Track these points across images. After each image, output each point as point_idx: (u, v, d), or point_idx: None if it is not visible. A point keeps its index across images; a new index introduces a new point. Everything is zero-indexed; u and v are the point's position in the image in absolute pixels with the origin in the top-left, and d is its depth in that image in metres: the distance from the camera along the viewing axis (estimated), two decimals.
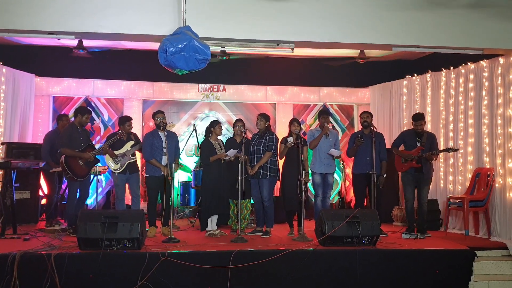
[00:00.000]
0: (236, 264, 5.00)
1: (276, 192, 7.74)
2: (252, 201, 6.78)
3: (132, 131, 6.80)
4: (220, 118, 9.12)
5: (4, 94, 7.74)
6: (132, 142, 6.62)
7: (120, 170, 6.53)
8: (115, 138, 6.51)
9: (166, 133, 6.30)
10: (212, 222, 6.42)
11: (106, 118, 9.08)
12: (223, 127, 7.18)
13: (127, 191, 6.75)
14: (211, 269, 4.97)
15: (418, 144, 6.70)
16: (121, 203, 6.63)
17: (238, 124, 6.68)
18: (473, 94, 7.11)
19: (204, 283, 5.00)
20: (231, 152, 6.34)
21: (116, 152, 6.55)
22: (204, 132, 6.70)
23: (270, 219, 6.46)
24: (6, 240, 5.77)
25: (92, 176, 7.50)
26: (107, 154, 6.53)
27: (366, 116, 6.85)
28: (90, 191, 7.75)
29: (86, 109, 6.69)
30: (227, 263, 4.99)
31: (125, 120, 6.73)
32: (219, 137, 6.67)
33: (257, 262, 5.04)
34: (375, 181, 6.37)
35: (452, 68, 7.57)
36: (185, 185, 8.03)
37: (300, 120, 8.16)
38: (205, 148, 6.47)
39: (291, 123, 6.59)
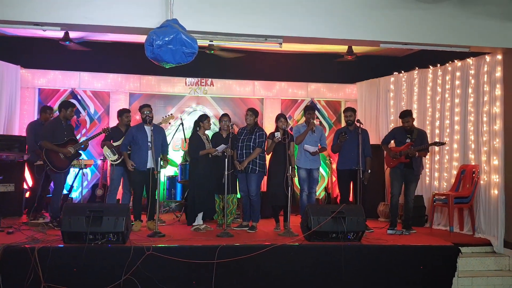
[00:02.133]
0: (221, 258, 5.00)
1: (263, 187, 7.75)
2: (238, 195, 6.77)
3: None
4: (207, 112, 9.04)
5: None
6: None
7: (117, 162, 6.57)
8: (96, 134, 6.78)
9: (152, 127, 6.26)
10: (198, 217, 6.40)
11: (92, 111, 8.99)
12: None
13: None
14: (197, 264, 4.97)
15: (408, 140, 6.73)
16: (113, 196, 6.66)
17: (224, 119, 6.67)
18: (460, 91, 7.16)
19: (189, 277, 4.99)
20: (221, 147, 6.32)
21: (115, 144, 6.65)
22: (192, 126, 6.67)
23: (256, 214, 6.47)
24: None
25: (77, 170, 7.51)
26: (105, 146, 6.67)
27: (350, 115, 6.87)
28: (76, 184, 7.77)
29: (69, 102, 6.71)
30: (213, 258, 4.99)
31: (123, 112, 6.90)
32: (207, 132, 6.65)
33: (243, 257, 5.04)
34: (361, 177, 6.39)
35: (439, 65, 7.62)
36: (171, 179, 7.99)
37: (287, 116, 8.19)
38: (194, 142, 6.44)
39: (278, 118, 6.59)
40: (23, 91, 8.63)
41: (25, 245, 4.85)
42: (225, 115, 6.78)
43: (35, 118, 8.38)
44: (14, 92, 8.29)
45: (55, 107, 8.47)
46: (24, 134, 7.63)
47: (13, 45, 8.40)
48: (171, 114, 7.07)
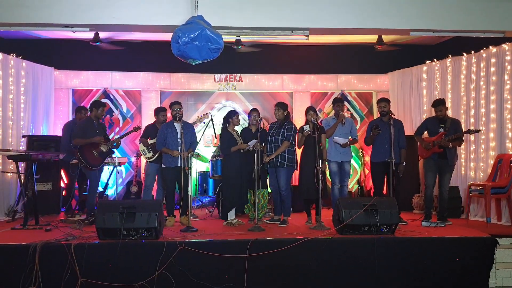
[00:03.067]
0: (253, 252, 5.01)
1: (295, 181, 7.72)
2: (269, 190, 6.77)
3: (150, 122, 6.95)
4: (236, 107, 9.11)
5: (25, 88, 7.87)
6: None
7: (152, 159, 6.75)
8: (128, 132, 7.04)
9: (182, 124, 6.33)
10: (231, 212, 6.44)
11: (124, 109, 9.15)
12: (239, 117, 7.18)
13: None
14: (229, 258, 4.99)
15: (441, 130, 6.57)
16: (148, 192, 6.84)
17: (253, 113, 6.67)
18: (495, 78, 6.94)
19: (222, 271, 5.02)
20: (252, 142, 6.33)
21: (150, 142, 6.82)
22: (222, 122, 6.71)
23: (287, 208, 6.45)
24: (29, 231, 5.89)
25: (112, 167, 7.69)
26: (141, 143, 6.92)
27: (384, 105, 6.73)
28: (111, 182, 7.95)
29: (100, 102, 6.89)
30: (245, 252, 5.00)
31: (159, 111, 7.14)
32: (236, 128, 6.68)
33: (274, 251, 5.03)
34: (394, 169, 6.27)
35: (473, 52, 7.40)
36: (203, 175, 8.06)
37: (317, 109, 8.14)
38: (225, 138, 6.48)
39: (307, 111, 6.53)
40: (57, 92, 8.87)
41: (62, 242, 4.98)
42: (254, 110, 6.78)
43: (70, 118, 8.62)
44: (49, 93, 8.55)
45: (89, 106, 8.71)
46: (59, 134, 7.84)
47: (47, 48, 8.62)
48: (206, 113, 7.17)
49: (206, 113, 7.18)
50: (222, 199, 6.88)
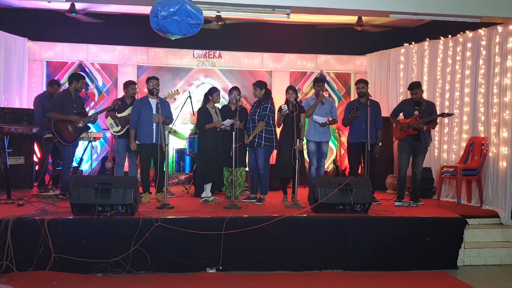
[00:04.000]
0: (229, 230, 5.05)
1: (272, 160, 7.76)
2: (247, 168, 6.79)
3: None
4: (215, 85, 8.98)
5: None
6: None
7: (120, 133, 6.60)
8: (106, 108, 6.72)
9: (158, 100, 6.25)
10: (207, 189, 6.44)
11: (100, 83, 8.99)
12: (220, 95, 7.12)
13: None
14: (205, 235, 5.02)
15: (416, 112, 6.66)
16: (120, 168, 6.73)
17: (233, 92, 6.60)
18: (470, 63, 7.06)
19: (198, 248, 5.05)
20: (227, 122, 6.30)
21: (119, 115, 6.67)
22: (202, 98, 6.64)
23: (264, 187, 6.48)
24: (0, 206, 5.80)
25: (87, 143, 7.57)
26: (109, 117, 6.68)
27: (362, 86, 6.77)
28: (86, 157, 7.83)
29: (80, 74, 6.69)
30: (221, 229, 5.04)
31: (128, 84, 6.90)
32: (216, 105, 6.63)
33: (250, 228, 5.08)
34: (369, 149, 6.36)
35: (450, 36, 7.48)
36: (180, 152, 8.02)
37: (296, 88, 8.13)
38: (202, 115, 6.43)
39: (286, 91, 6.51)
40: (31, 63, 8.65)
41: (35, 217, 4.92)
42: (235, 88, 6.69)
43: (43, 91, 8.41)
44: (22, 65, 8.33)
45: (63, 80, 8.53)
46: (32, 107, 7.66)
47: (20, 17, 8.36)
48: (177, 89, 7.01)
49: (177, 90, 7.03)
50: (196, 176, 6.85)
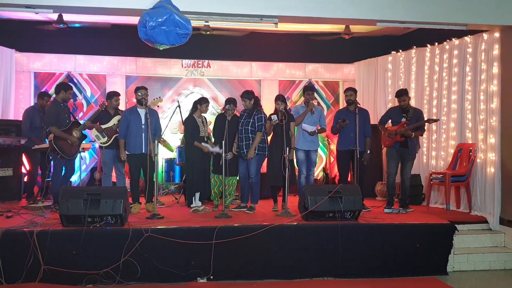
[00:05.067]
0: (220, 239, 5.04)
1: (263, 169, 7.76)
2: (236, 178, 6.78)
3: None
4: (204, 94, 9.03)
5: None
6: (119, 117, 6.63)
7: (107, 144, 6.56)
8: (96, 112, 6.64)
9: (147, 110, 6.23)
10: (196, 199, 6.43)
11: (88, 94, 8.96)
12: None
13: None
14: (195, 245, 5.00)
15: (403, 119, 6.72)
16: (108, 179, 6.67)
17: (230, 103, 6.49)
18: (457, 70, 7.14)
19: (188, 258, 5.04)
20: (216, 150, 6.32)
21: (103, 126, 6.59)
22: (191, 107, 6.63)
23: (255, 195, 6.48)
24: None
25: None
26: (93, 129, 6.59)
27: (350, 94, 6.83)
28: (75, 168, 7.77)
29: (68, 84, 6.68)
30: (211, 239, 5.03)
31: (112, 95, 6.82)
32: (203, 114, 6.63)
33: (241, 237, 5.08)
34: (358, 157, 6.39)
35: (436, 44, 7.58)
36: (169, 162, 8.01)
37: (285, 97, 8.15)
38: (189, 125, 6.43)
39: (275, 100, 6.53)
40: (18, 75, 8.60)
41: (24, 229, 4.88)
42: (231, 100, 6.56)
43: (32, 102, 8.39)
44: (9, 76, 8.27)
45: (51, 91, 8.47)
46: (20, 118, 7.60)
47: (7, 29, 8.30)
48: (160, 97, 6.98)
49: (159, 97, 7.00)
50: (186, 185, 6.83)
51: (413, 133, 6.56)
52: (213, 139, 6.69)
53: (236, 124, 6.44)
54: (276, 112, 6.46)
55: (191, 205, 6.40)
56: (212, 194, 6.68)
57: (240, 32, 8.36)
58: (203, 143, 6.40)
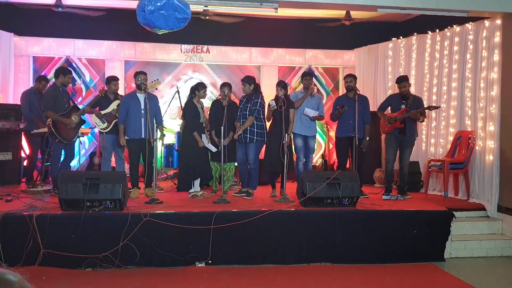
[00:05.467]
0: (218, 224, 5.06)
1: (261, 155, 7.77)
2: (234, 164, 6.79)
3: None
4: (203, 80, 8.97)
5: None
6: (118, 102, 6.62)
7: (107, 129, 6.56)
8: (95, 97, 6.59)
9: (146, 95, 6.22)
10: (195, 184, 6.44)
11: (87, 79, 8.93)
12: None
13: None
14: (194, 229, 5.03)
15: (403, 106, 6.71)
16: (107, 164, 6.68)
17: (224, 88, 6.51)
18: (458, 57, 7.11)
19: (187, 243, 5.07)
20: (210, 147, 6.36)
21: (103, 112, 6.58)
22: (189, 92, 6.62)
23: (254, 181, 6.50)
24: None
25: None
26: (93, 114, 6.57)
27: (350, 80, 6.81)
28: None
29: (67, 69, 6.65)
30: (209, 224, 5.05)
31: (110, 80, 6.78)
32: (201, 100, 6.62)
33: (239, 222, 5.10)
34: (357, 144, 6.39)
35: (438, 30, 7.53)
36: (168, 147, 8.00)
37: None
38: (190, 111, 6.40)
39: (276, 86, 6.53)
40: (17, 59, 8.55)
41: (24, 213, 4.90)
42: (226, 84, 6.60)
43: (30, 87, 8.33)
44: (7, 60, 8.22)
45: (50, 75, 8.44)
46: (19, 102, 7.58)
47: (6, 12, 8.24)
48: (158, 79, 6.94)
49: (157, 79, 6.96)
50: (180, 170, 6.85)
51: (421, 117, 6.55)
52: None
53: (232, 110, 6.42)
54: (276, 98, 6.44)
55: (190, 191, 6.41)
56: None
57: (238, 18, 8.29)
58: (203, 135, 6.40)
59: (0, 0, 7.89)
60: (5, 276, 1.33)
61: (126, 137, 6.33)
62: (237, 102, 6.72)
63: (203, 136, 6.42)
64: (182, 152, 6.67)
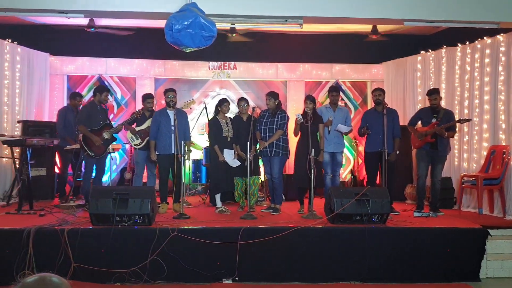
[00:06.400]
0: (245, 240, 5.04)
1: (288, 170, 7.75)
2: (261, 177, 6.81)
3: None
4: (230, 96, 9.10)
5: (20, 73, 7.85)
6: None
7: (140, 146, 6.71)
8: (132, 117, 6.82)
9: (175, 111, 6.33)
10: (217, 199, 6.51)
11: (119, 96, 9.15)
12: (233, 105, 7.22)
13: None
14: (220, 245, 5.02)
15: (433, 120, 6.59)
16: (139, 179, 6.83)
17: (241, 103, 6.68)
18: (489, 69, 6.95)
19: (214, 259, 5.05)
20: (231, 162, 6.42)
21: (138, 128, 6.77)
22: (214, 110, 6.74)
23: (279, 196, 6.49)
24: (23, 216, 5.91)
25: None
26: (128, 131, 6.80)
27: (378, 94, 6.75)
28: (105, 169, 7.94)
29: (104, 87, 6.89)
30: (236, 239, 5.03)
31: (145, 97, 6.97)
32: (228, 115, 6.71)
33: (266, 239, 5.06)
34: (386, 158, 6.29)
35: (468, 43, 7.40)
36: (196, 162, 8.09)
37: None
38: (212, 127, 6.55)
39: (304, 100, 6.57)
40: (52, 78, 8.86)
41: (56, 227, 5.01)
42: (242, 99, 6.79)
43: (65, 104, 8.60)
44: (44, 79, 8.53)
45: (84, 92, 8.72)
46: (54, 119, 7.83)
47: (42, 33, 8.56)
48: (193, 99, 7.12)
49: (193, 99, 7.13)
50: (210, 186, 6.95)
51: (446, 133, 6.41)
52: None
53: (249, 123, 6.44)
54: (304, 112, 6.45)
55: (217, 206, 6.46)
56: (235, 195, 6.74)
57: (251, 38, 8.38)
58: (230, 150, 6.49)
59: (37, 22, 8.24)
60: (52, 279, 1.47)
61: (156, 153, 6.43)
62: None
63: (227, 151, 6.47)
64: (209, 167, 6.76)
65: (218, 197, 6.50)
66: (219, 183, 6.45)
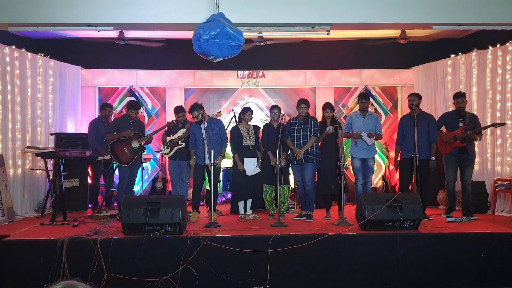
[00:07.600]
0: (276, 248, 5.04)
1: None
2: (291, 186, 6.81)
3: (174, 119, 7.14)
4: (259, 104, 9.15)
5: (52, 87, 8.07)
6: (184, 130, 6.94)
7: (169, 155, 6.90)
8: (162, 127, 7.11)
9: (207, 123, 6.41)
10: (248, 206, 6.58)
11: (149, 107, 9.29)
12: (262, 113, 7.23)
13: None
14: (251, 253, 5.03)
15: (461, 124, 6.47)
16: (175, 188, 6.98)
17: (274, 110, 6.76)
18: None
19: (245, 266, 5.06)
20: (251, 170, 6.50)
21: (168, 139, 6.99)
22: (237, 119, 6.87)
23: (311, 203, 6.48)
24: (57, 227, 6.07)
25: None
26: (162, 140, 7.07)
27: (412, 99, 6.64)
28: (137, 179, 8.07)
29: (131, 103, 7.05)
30: (267, 247, 5.03)
31: (177, 111, 7.11)
32: (252, 123, 6.82)
33: (296, 246, 5.05)
34: (418, 164, 6.18)
35: (499, 45, 7.24)
36: (227, 171, 8.13)
37: (341, 104, 8.10)
38: (232, 136, 6.71)
39: (323, 108, 6.60)
40: (84, 90, 9.07)
41: (89, 237, 5.11)
42: (275, 106, 6.86)
43: (96, 116, 8.80)
44: (76, 92, 8.75)
45: (115, 104, 8.91)
46: (86, 131, 8.02)
47: (73, 47, 8.82)
48: (219, 111, 7.19)
49: (219, 111, 7.22)
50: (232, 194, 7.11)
51: (478, 137, 6.29)
52: (262, 148, 6.78)
53: (279, 130, 6.46)
54: (323, 119, 6.54)
55: (247, 213, 6.55)
56: (265, 202, 6.76)
57: (292, 40, 8.40)
58: (253, 159, 6.61)
59: (68, 35, 8.48)
60: (78, 287, 1.47)
61: (192, 164, 6.62)
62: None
63: (247, 159, 6.55)
64: (232, 175, 6.96)
65: (241, 204, 6.60)
66: (241, 191, 6.54)
